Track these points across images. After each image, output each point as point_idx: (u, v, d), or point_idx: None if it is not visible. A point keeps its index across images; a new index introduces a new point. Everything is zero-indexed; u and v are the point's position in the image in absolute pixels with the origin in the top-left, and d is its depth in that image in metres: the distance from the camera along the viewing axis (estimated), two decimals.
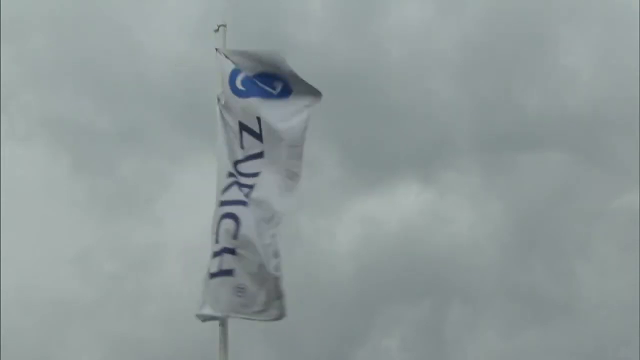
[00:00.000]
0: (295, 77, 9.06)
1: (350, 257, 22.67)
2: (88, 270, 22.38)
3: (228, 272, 8.63)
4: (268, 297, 8.57)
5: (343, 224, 23.16)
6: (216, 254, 8.70)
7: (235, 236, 8.67)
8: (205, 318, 8.73)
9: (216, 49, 9.32)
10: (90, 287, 21.89)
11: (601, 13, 24.60)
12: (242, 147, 9.01)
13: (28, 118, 24.10)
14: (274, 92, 9.09)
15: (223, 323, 8.75)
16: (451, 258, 23.09)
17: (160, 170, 23.71)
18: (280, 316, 8.62)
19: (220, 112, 9.16)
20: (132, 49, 23.67)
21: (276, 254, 8.61)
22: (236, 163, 8.96)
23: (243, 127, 9.03)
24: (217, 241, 8.74)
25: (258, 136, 8.97)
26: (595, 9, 24.76)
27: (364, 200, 24.38)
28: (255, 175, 8.89)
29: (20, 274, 20.63)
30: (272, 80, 9.12)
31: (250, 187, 8.84)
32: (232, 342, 8.76)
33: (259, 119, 8.98)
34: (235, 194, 8.82)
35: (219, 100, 9.20)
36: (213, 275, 8.69)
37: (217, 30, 9.44)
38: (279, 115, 8.99)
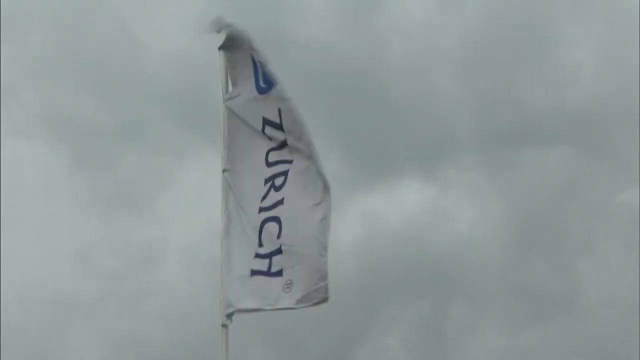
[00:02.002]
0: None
1: (352, 255, 22.60)
2: (88, 268, 22.37)
3: (278, 273, 8.62)
4: (310, 282, 8.55)
5: (344, 221, 23.10)
6: (262, 256, 8.70)
7: (278, 236, 8.65)
8: (243, 312, 8.71)
9: (219, 49, 9.24)
10: (91, 285, 21.89)
11: (603, 9, 24.59)
12: (270, 140, 8.92)
13: (28, 115, 24.10)
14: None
15: (225, 323, 8.70)
16: (453, 255, 23.06)
17: (161, 168, 23.70)
18: (324, 299, 8.59)
19: (231, 111, 9.10)
20: (133, 45, 23.65)
21: (323, 236, 8.64)
22: (268, 163, 8.90)
23: (266, 122, 8.94)
24: (260, 245, 8.73)
25: (279, 126, 8.87)
26: (597, 5, 24.75)
27: (365, 197, 24.34)
28: (286, 162, 8.81)
29: (20, 271, 20.61)
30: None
31: (284, 179, 8.79)
32: (232, 339, 8.70)
33: (279, 110, 8.87)
34: (273, 197, 8.79)
35: (227, 99, 9.13)
36: (257, 273, 8.67)
37: (219, 31, 9.37)
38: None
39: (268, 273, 8.66)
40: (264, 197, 8.85)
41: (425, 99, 23.99)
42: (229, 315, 8.65)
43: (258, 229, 8.77)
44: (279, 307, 8.58)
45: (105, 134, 23.68)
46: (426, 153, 24.42)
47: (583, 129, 24.08)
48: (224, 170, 9.03)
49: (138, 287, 21.85)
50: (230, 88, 9.16)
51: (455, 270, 22.82)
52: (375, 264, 22.41)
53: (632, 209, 21.80)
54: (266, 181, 8.87)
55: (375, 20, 24.42)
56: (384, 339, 21.81)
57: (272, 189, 8.82)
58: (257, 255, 8.72)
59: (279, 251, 8.63)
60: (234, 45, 9.17)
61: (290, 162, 8.80)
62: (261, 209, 8.82)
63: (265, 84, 9.02)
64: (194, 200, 21.23)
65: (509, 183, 24.52)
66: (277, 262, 8.64)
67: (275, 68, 8.98)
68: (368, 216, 23.72)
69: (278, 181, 8.80)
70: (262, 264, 8.68)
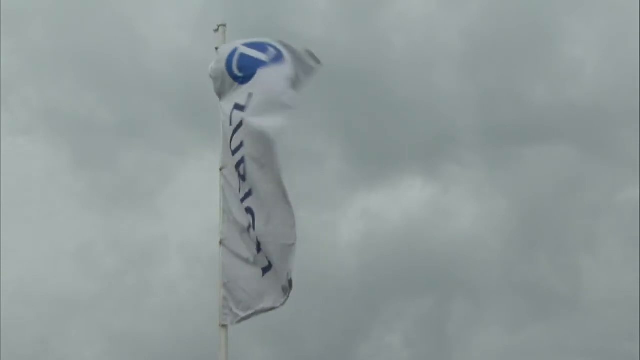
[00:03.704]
0: (289, 47, 8.92)
1: (353, 252, 22.60)
2: (89, 265, 22.38)
3: (269, 267, 8.58)
4: (283, 274, 8.48)
5: (346, 218, 23.08)
6: (259, 251, 8.65)
7: (253, 227, 8.58)
8: (260, 313, 8.64)
9: (216, 49, 9.19)
10: (91, 281, 21.89)
11: (605, 5, 24.53)
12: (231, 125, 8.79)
13: (28, 111, 24.06)
14: (266, 59, 8.87)
15: (225, 324, 8.66)
16: (454, 252, 23.04)
17: (162, 164, 23.67)
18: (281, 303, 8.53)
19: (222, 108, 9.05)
20: (134, 41, 23.62)
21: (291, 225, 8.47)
22: (232, 151, 8.78)
23: (236, 107, 8.81)
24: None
25: (242, 108, 8.72)
26: (599, 1, 24.69)
27: (367, 194, 24.30)
28: (241, 145, 8.66)
29: (21, 267, 20.64)
30: (264, 47, 8.94)
31: (243, 167, 8.63)
32: (233, 336, 8.71)
33: (250, 94, 8.75)
34: (244, 188, 8.66)
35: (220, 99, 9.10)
36: (266, 270, 8.61)
37: (217, 30, 9.32)
38: (273, 81, 8.72)
39: (270, 268, 8.60)
40: (240, 189, 8.77)
41: (426, 95, 23.97)
42: (246, 318, 8.60)
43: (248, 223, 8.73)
44: (280, 304, 8.55)
45: (105, 130, 23.68)
46: (427, 150, 24.40)
47: (585, 126, 24.07)
48: (220, 169, 8.98)
49: (138, 284, 21.88)
50: None
51: (456, 268, 22.82)
52: (376, 262, 22.40)
53: (634, 207, 21.78)
54: (236, 171, 8.74)
55: (377, 16, 24.40)
56: (386, 337, 21.79)
57: (240, 180, 8.71)
58: (259, 251, 8.67)
59: (259, 245, 8.56)
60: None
61: (242, 144, 8.65)
62: (241, 201, 8.74)
63: (242, 72, 8.93)
64: (194, 197, 21.22)
65: (511, 180, 24.51)
66: (263, 256, 8.59)
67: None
68: (369, 214, 23.73)
69: (241, 169, 8.67)
70: (264, 260, 8.64)
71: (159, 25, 23.90)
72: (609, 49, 24.50)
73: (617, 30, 24.18)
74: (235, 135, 8.74)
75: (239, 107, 8.76)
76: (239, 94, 8.83)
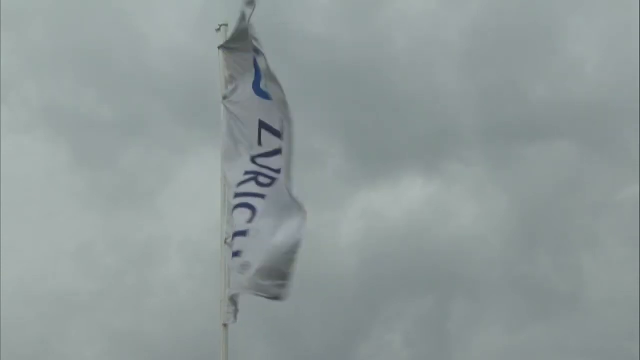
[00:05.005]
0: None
1: (354, 251, 22.56)
2: (89, 264, 22.33)
3: (236, 254, 8.63)
4: (270, 274, 8.52)
5: (346, 216, 23.03)
6: (231, 242, 8.74)
7: (250, 220, 8.68)
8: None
9: (219, 48, 9.17)
10: (91, 280, 21.85)
11: (606, 2, 24.50)
12: (260, 144, 8.94)
13: (29, 110, 24.01)
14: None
15: (226, 323, 8.64)
16: (455, 251, 22.99)
17: (162, 163, 23.63)
18: (277, 297, 8.57)
19: (227, 109, 9.05)
20: (135, 39, 23.58)
21: (292, 253, 8.60)
22: (254, 159, 8.93)
23: (262, 125, 8.95)
24: (232, 227, 8.77)
25: (278, 134, 8.88)
26: None
27: (367, 193, 24.25)
28: (278, 171, 8.83)
29: (21, 266, 20.60)
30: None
31: (270, 182, 8.81)
32: (234, 335, 8.69)
33: (282, 119, 8.88)
34: (251, 187, 8.83)
35: (224, 98, 9.06)
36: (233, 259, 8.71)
37: (218, 30, 9.30)
38: None
39: (233, 256, 8.67)
40: (240, 184, 8.87)
41: (427, 93, 23.93)
42: (234, 313, 8.62)
43: (231, 213, 8.81)
44: (232, 292, 8.60)
45: (106, 129, 23.65)
46: (428, 148, 24.36)
47: (586, 125, 24.03)
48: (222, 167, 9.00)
49: (138, 283, 21.84)
50: (228, 87, 9.14)
51: (457, 267, 22.77)
52: (377, 261, 22.36)
53: (635, 205, 21.74)
54: (247, 172, 8.88)
55: (378, 13, 24.38)
56: (386, 336, 21.75)
57: (253, 181, 8.83)
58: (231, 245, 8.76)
59: (242, 234, 8.63)
60: (240, 37, 9.07)
61: (278, 171, 8.81)
62: (237, 195, 8.85)
63: (268, 89, 8.99)
64: (194, 195, 21.19)
65: (512, 178, 24.47)
66: (238, 243, 8.64)
67: (277, 62, 8.91)
68: (370, 212, 23.68)
69: (263, 180, 8.82)
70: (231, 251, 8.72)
71: (159, 24, 23.88)
72: (610, 48, 24.51)
73: (618, 29, 24.19)
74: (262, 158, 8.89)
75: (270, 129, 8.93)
76: (267, 110, 8.94)
